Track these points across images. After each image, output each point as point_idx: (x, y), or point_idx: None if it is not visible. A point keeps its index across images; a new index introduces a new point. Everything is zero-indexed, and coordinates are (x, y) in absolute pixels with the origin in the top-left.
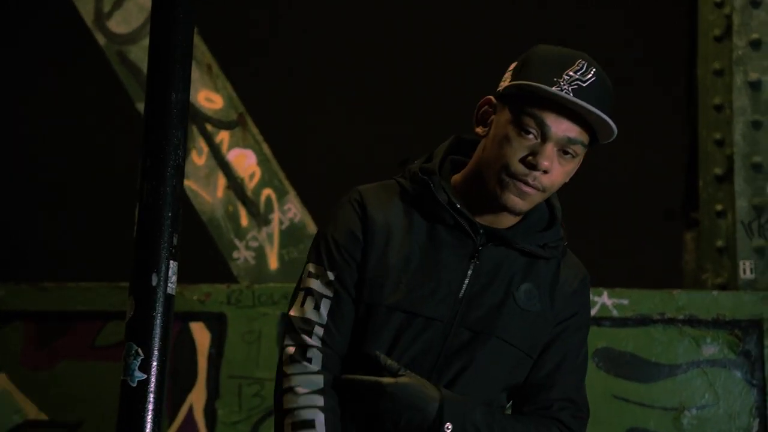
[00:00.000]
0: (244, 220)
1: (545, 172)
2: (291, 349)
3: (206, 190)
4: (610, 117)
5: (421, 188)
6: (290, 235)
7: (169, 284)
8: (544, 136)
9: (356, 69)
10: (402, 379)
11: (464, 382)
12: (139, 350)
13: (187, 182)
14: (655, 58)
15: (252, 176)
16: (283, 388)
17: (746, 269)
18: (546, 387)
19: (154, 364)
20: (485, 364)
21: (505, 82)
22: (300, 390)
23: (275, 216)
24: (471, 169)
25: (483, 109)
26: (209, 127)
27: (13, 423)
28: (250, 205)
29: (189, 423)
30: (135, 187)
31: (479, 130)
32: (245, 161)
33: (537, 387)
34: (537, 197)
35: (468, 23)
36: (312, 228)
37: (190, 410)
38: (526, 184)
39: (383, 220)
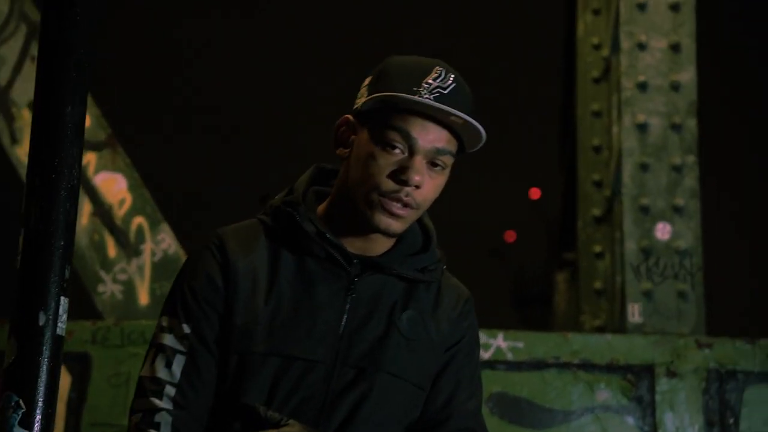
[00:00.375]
0: (112, 251)
1: (417, 187)
2: (137, 417)
3: None
4: (477, 126)
5: (286, 223)
6: (163, 267)
7: (59, 324)
8: (412, 149)
9: (230, 96)
10: (285, 429)
11: (355, 425)
12: (21, 402)
13: None
14: (530, 97)
15: (122, 203)
16: None
17: (635, 312)
18: (441, 420)
19: (38, 418)
20: (375, 403)
21: (362, 98)
22: None
23: (147, 247)
24: (335, 194)
25: (341, 129)
26: None
27: None
28: (119, 234)
29: None
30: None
31: (340, 151)
32: (114, 186)
33: (432, 421)
34: (411, 216)
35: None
36: None
37: None
38: (399, 201)
39: (247, 264)
